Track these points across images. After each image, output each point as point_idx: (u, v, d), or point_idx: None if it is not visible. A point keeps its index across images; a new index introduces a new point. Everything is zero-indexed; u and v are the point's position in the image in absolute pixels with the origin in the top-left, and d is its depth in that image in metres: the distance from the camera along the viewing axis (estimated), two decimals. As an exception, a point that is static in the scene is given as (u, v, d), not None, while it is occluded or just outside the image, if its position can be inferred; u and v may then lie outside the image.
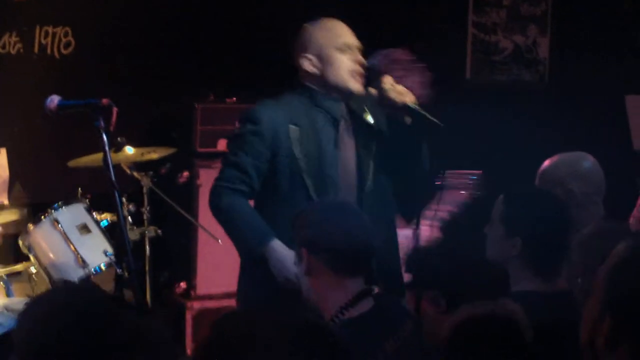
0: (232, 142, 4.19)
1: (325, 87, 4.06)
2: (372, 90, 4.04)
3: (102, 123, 3.47)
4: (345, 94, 4.08)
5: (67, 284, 2.25)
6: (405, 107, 4.00)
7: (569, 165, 4.16)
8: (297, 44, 4.14)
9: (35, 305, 2.19)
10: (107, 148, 3.48)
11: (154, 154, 5.72)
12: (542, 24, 6.19)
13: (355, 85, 4.05)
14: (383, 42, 5.12)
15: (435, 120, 4.00)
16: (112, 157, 3.54)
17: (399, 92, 4.01)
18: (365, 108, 4.16)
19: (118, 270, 3.47)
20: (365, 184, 4.12)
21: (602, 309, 2.11)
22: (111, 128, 3.49)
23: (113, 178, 3.46)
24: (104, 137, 3.48)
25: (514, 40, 6.29)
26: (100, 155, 3.60)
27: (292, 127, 4.00)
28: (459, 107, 5.19)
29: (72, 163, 5.48)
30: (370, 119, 4.16)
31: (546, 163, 4.21)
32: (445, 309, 3.13)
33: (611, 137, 5.58)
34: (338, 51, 4.03)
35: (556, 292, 3.35)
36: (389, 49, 4.71)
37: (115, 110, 3.47)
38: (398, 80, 4.55)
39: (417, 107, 4.01)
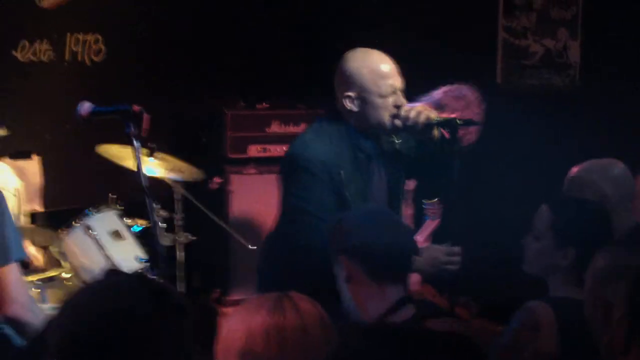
0: (294, 188, 4.02)
1: (362, 123, 4.04)
2: (397, 122, 4.01)
3: (133, 130, 3.48)
4: (381, 132, 4.09)
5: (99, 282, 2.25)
6: (429, 124, 3.98)
7: (602, 170, 4.14)
8: (338, 77, 4.07)
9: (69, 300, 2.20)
10: (138, 155, 3.49)
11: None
12: (573, 28, 6.16)
13: (393, 125, 4.02)
14: (412, 47, 5.12)
15: (467, 120, 4.02)
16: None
17: (418, 111, 3.98)
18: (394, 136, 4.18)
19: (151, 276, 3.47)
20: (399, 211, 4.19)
21: (622, 315, 2.19)
22: (143, 134, 3.50)
23: (145, 184, 3.47)
24: (135, 143, 3.49)
25: (545, 44, 6.25)
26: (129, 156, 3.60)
27: (342, 172, 3.98)
28: (489, 111, 5.17)
29: (100, 149, 5.49)
30: (396, 139, 4.17)
31: (576, 169, 4.19)
32: (477, 313, 3.13)
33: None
34: (382, 97, 3.98)
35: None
36: (455, 85, 4.66)
37: (146, 117, 3.48)
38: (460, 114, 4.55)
39: (440, 118, 4.00)
